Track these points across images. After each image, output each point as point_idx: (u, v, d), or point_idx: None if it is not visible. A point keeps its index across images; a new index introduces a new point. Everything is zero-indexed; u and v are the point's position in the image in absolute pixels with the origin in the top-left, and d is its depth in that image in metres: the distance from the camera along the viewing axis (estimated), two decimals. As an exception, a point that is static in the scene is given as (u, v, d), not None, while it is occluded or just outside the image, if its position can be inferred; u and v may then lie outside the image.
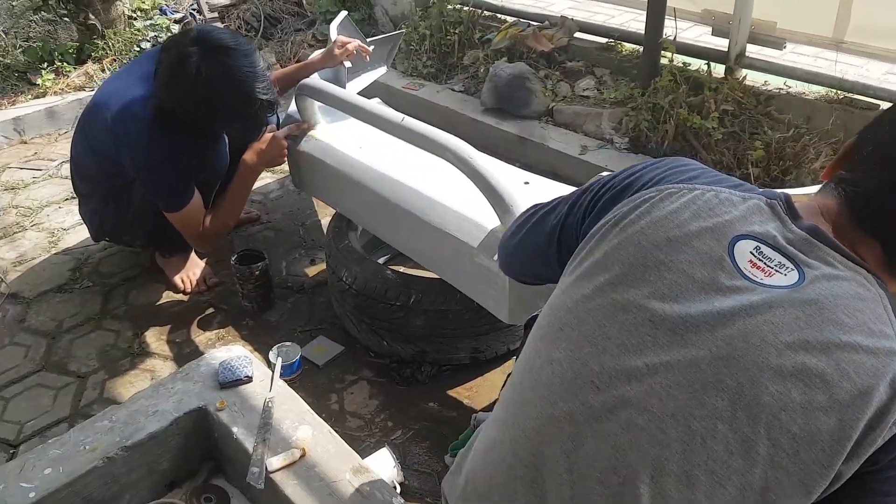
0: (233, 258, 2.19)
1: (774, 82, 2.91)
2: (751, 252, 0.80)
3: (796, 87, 2.86)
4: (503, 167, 2.02)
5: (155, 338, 2.12)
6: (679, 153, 2.83)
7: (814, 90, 2.82)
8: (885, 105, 2.61)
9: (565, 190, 1.52)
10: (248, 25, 4.51)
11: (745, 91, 2.83)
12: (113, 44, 4.03)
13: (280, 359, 1.74)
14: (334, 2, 4.36)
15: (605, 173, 1.11)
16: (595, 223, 0.93)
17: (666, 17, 2.96)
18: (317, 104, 2.14)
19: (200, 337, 2.13)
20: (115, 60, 3.99)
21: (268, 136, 2.11)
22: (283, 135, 2.14)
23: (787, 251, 0.79)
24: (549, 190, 1.88)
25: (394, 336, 1.94)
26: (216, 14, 4.57)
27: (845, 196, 0.82)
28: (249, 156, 2.13)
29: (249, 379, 1.59)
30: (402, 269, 2.17)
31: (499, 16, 3.89)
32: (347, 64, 2.35)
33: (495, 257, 1.54)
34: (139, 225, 2.21)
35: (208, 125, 1.97)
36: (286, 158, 2.18)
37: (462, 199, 1.74)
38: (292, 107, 2.29)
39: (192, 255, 2.38)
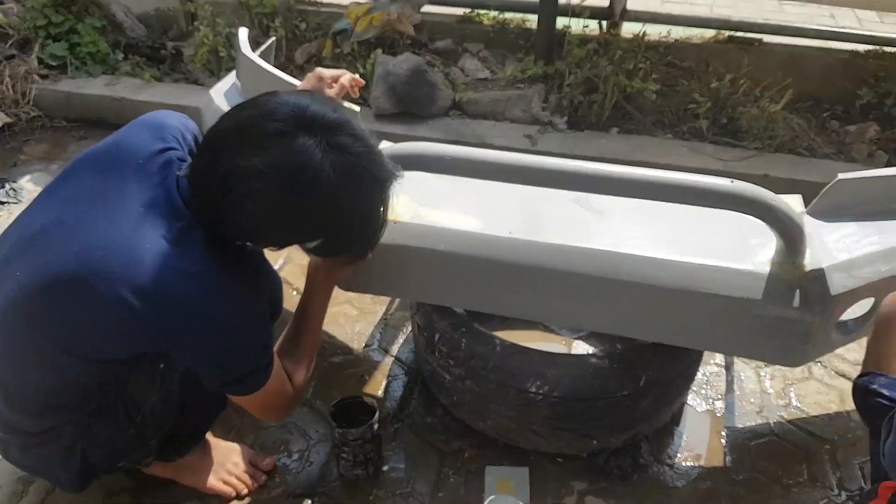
0: (330, 415, 1.48)
1: (651, 31, 2.98)
2: None
3: (675, 32, 2.98)
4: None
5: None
6: (619, 121, 2.76)
7: (693, 33, 2.98)
8: (768, 38, 2.89)
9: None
10: (-78, 61, 3.01)
11: (647, 46, 2.85)
12: None
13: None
14: (54, 11, 3.13)
15: None
16: None
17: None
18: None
19: (337, 549, 1.42)
20: None
21: None
22: None
23: None
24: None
25: (609, 430, 1.54)
26: None
27: None
28: (319, 267, 1.41)
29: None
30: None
31: (310, -1, 3.25)
32: (353, 107, 1.66)
33: (795, 301, 1.31)
34: (151, 434, 1.34)
35: (322, 247, 1.23)
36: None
37: (683, 250, 1.41)
38: None
39: (211, 439, 1.56)
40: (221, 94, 1.93)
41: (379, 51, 2.83)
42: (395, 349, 1.93)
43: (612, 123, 2.74)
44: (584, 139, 2.66)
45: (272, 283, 1.38)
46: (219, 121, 1.15)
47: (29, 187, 2.61)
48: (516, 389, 1.49)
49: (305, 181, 1.07)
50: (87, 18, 3.18)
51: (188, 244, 1.13)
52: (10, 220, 2.34)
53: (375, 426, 1.49)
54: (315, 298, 1.42)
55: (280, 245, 1.20)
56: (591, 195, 1.58)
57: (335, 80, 1.61)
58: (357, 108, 1.66)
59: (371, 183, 1.16)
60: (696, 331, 1.41)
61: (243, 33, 1.93)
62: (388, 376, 1.84)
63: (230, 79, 2.01)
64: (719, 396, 1.77)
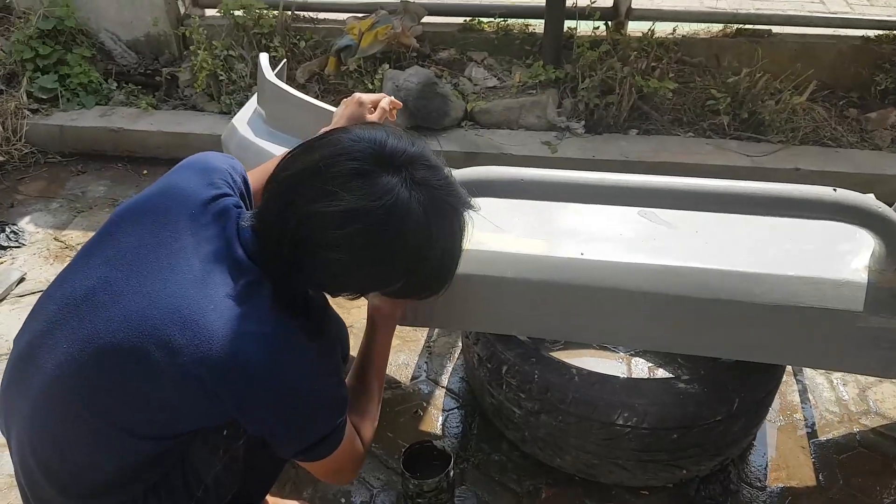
0: (402, 464, 1.37)
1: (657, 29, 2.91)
2: None
3: (680, 29, 2.92)
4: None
5: None
6: (636, 122, 2.69)
7: (699, 28, 2.92)
8: (777, 29, 2.85)
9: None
10: None
11: (657, 43, 2.78)
12: None
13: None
14: (41, 43, 2.96)
15: None
16: None
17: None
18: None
19: None
20: None
21: None
22: None
23: None
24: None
25: (699, 458, 1.45)
26: None
27: None
28: (381, 307, 1.31)
29: None
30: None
31: (303, 14, 3.13)
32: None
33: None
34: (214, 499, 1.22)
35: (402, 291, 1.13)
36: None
37: (771, 261, 1.33)
38: None
39: (270, 499, 1.44)
40: (245, 124, 1.82)
41: (386, 66, 2.73)
42: (444, 380, 1.83)
43: (629, 125, 2.67)
44: (604, 142, 2.59)
45: (339, 328, 1.27)
46: (284, 163, 1.04)
47: (30, 229, 2.45)
48: (600, 422, 1.39)
49: (394, 224, 0.97)
50: (76, 48, 3.03)
51: (256, 302, 1.01)
52: (14, 266, 2.26)
53: (451, 473, 1.39)
54: (379, 342, 1.31)
55: (359, 293, 1.09)
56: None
57: (375, 104, 1.49)
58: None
59: (453, 217, 1.06)
60: (792, 347, 1.32)
61: (264, 59, 1.82)
62: (443, 410, 1.74)
63: (251, 106, 1.89)
64: (796, 408, 1.69)
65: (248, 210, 1.14)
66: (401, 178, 0.97)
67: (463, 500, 1.51)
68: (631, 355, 1.87)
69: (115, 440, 1.04)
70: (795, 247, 1.37)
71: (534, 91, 2.72)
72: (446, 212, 1.03)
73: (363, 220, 0.95)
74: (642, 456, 1.42)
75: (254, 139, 1.74)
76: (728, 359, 1.46)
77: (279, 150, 1.65)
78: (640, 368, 1.83)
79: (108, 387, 1.01)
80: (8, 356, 1.12)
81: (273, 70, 1.90)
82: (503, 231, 1.44)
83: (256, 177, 1.27)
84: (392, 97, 1.53)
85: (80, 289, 1.06)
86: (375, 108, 1.46)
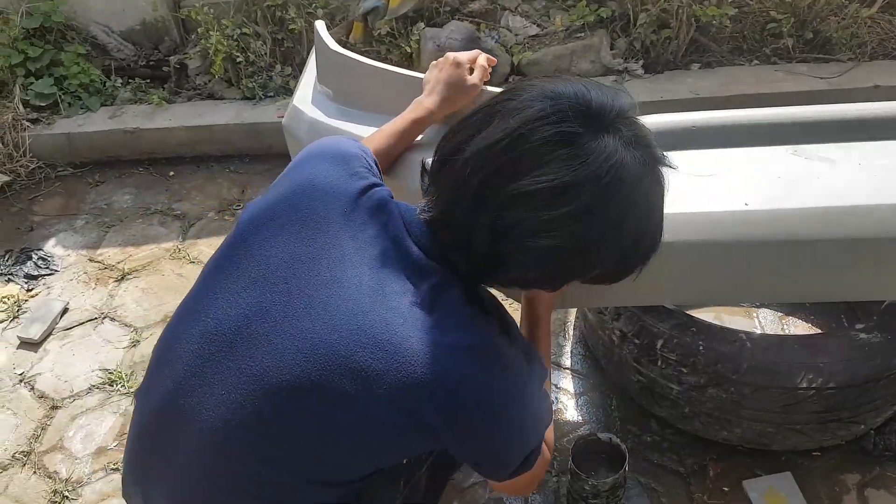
0: (570, 464, 1.23)
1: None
2: None
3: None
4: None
5: None
6: (694, 55, 2.51)
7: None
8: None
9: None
10: None
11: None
12: None
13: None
14: (29, 45, 2.69)
15: None
16: None
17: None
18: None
19: None
20: None
21: None
22: None
23: None
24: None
25: (878, 410, 1.33)
26: None
27: None
28: (540, 294, 1.15)
29: None
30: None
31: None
32: (494, 89, 1.36)
33: None
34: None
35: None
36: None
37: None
38: None
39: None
40: (310, 104, 1.61)
41: (421, 24, 2.51)
42: (566, 361, 1.68)
43: (688, 59, 2.49)
44: (668, 81, 2.41)
45: (515, 325, 1.11)
46: (460, 137, 0.86)
47: (59, 253, 2.24)
48: (781, 389, 1.26)
49: (620, 196, 0.80)
50: (68, 46, 2.76)
51: (448, 308, 0.85)
52: (52, 296, 2.05)
53: (627, 468, 1.25)
54: (542, 331, 1.16)
55: (560, 285, 0.92)
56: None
57: (472, 63, 1.29)
58: (498, 91, 1.38)
59: (662, 179, 0.89)
60: None
61: (321, 27, 1.60)
62: (575, 395, 1.59)
63: (308, 84, 1.68)
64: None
65: None
66: (617, 137, 0.81)
67: (627, 489, 1.38)
68: (756, 307, 1.73)
69: (293, 492, 0.89)
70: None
71: (581, 34, 2.52)
72: (659, 174, 0.87)
73: (583, 195, 0.78)
74: (824, 416, 1.30)
75: (328, 121, 1.54)
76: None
77: (363, 130, 1.45)
78: (769, 320, 1.70)
79: (287, 433, 0.85)
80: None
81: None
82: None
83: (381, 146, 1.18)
84: (486, 54, 1.34)
85: (227, 321, 0.88)
86: (472, 70, 1.28)
